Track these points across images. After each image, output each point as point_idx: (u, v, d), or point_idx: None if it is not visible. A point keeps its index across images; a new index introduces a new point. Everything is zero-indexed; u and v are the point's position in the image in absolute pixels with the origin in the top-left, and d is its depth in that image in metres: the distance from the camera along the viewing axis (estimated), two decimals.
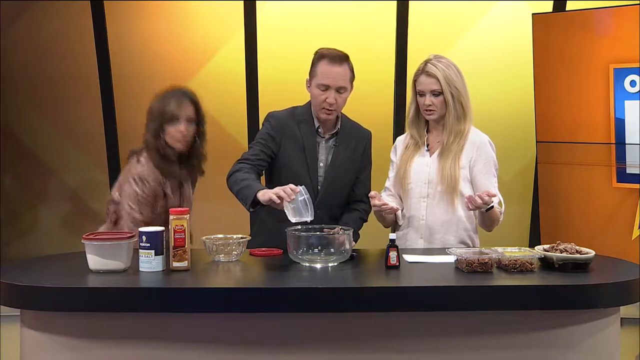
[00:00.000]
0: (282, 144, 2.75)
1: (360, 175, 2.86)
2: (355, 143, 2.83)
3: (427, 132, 2.81)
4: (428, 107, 2.70)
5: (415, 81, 2.75)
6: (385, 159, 2.94)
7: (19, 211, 4.76)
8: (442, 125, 2.75)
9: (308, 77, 2.76)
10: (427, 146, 2.79)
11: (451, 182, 2.68)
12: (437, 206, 2.72)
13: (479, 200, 2.49)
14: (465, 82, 2.72)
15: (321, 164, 2.78)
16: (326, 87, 2.68)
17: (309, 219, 2.39)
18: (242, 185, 2.53)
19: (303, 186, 2.43)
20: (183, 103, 2.69)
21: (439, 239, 2.72)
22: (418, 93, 2.74)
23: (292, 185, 2.38)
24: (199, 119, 2.75)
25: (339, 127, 2.81)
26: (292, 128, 2.77)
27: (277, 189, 2.38)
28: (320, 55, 2.72)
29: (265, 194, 2.41)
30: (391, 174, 2.87)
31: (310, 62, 2.76)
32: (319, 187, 2.77)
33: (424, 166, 2.76)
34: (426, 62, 2.72)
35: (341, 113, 2.84)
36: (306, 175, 2.75)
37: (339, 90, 2.69)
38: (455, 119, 2.70)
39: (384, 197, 2.80)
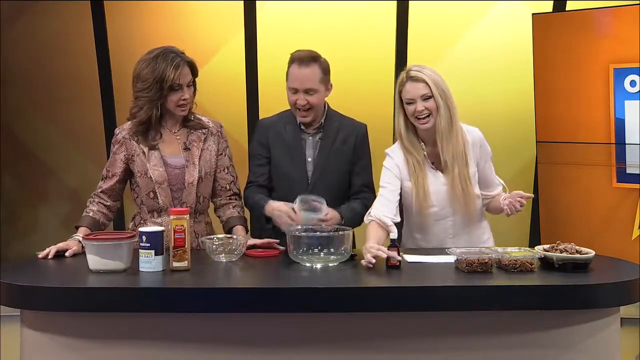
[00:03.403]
0: (270, 146, 2.85)
1: (355, 167, 2.86)
2: (344, 136, 2.85)
3: (425, 145, 2.67)
4: (421, 112, 2.57)
5: (400, 92, 2.63)
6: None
7: (19, 211, 4.76)
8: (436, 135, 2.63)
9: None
10: (433, 164, 2.67)
11: (465, 201, 2.64)
12: (462, 220, 2.69)
13: (519, 206, 2.51)
14: (449, 88, 2.62)
15: (309, 159, 2.82)
16: (295, 90, 2.74)
17: (322, 213, 2.55)
18: (257, 209, 2.81)
19: (299, 197, 2.60)
20: (182, 68, 2.62)
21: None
22: (406, 102, 2.60)
23: (287, 212, 2.60)
24: (194, 78, 2.70)
25: (322, 121, 2.83)
26: (278, 130, 2.85)
27: (277, 218, 2.64)
28: (292, 59, 2.78)
29: (271, 213, 2.69)
30: (391, 187, 2.67)
31: None
32: (308, 181, 2.81)
33: (441, 185, 2.66)
34: (408, 71, 2.63)
35: (332, 110, 2.87)
36: (294, 171, 2.82)
37: (308, 92, 2.73)
38: (447, 124, 2.58)
39: (378, 210, 2.62)
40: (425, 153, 2.68)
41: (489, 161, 2.73)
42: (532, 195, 2.56)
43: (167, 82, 2.59)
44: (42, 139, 4.70)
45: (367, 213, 2.64)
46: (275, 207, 2.66)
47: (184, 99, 2.65)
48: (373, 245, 2.36)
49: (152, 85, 2.60)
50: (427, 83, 2.57)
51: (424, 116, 2.59)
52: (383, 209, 2.60)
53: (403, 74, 2.65)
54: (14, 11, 4.58)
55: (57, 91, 4.64)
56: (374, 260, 2.29)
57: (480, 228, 2.76)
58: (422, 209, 2.67)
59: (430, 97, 2.58)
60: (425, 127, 2.61)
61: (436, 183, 2.66)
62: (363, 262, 2.32)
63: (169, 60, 2.60)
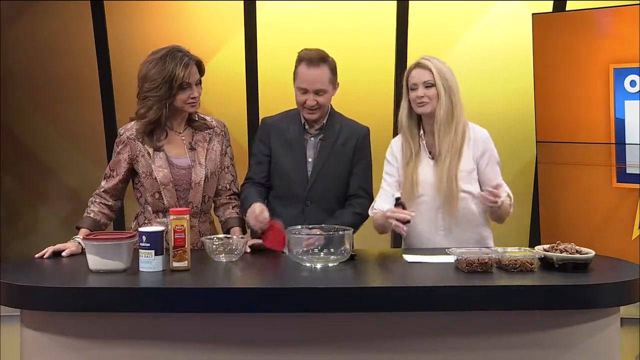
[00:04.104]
0: (272, 144, 2.85)
1: (353, 169, 2.86)
2: (345, 138, 2.84)
3: (425, 134, 2.73)
4: (420, 98, 2.64)
5: (407, 78, 2.71)
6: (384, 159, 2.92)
7: (19, 211, 4.77)
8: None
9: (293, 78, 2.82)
10: (430, 153, 2.71)
11: (447, 196, 2.64)
12: (451, 217, 2.67)
13: (491, 197, 2.51)
14: (457, 83, 2.68)
15: (310, 159, 2.83)
16: (305, 90, 2.74)
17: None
18: (242, 207, 2.77)
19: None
20: (191, 67, 2.64)
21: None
22: (410, 88, 2.69)
23: (262, 213, 2.58)
24: (201, 76, 2.72)
25: (324, 122, 2.84)
26: (281, 128, 2.85)
27: (253, 221, 2.61)
28: (300, 58, 2.77)
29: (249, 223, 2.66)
30: (390, 178, 2.77)
31: None
32: (307, 180, 2.81)
33: (432, 176, 2.69)
34: (419, 59, 2.71)
35: (335, 111, 2.88)
36: (293, 170, 2.82)
37: (318, 92, 2.74)
38: (445, 114, 2.63)
39: (381, 203, 2.71)
40: (424, 142, 2.72)
41: (491, 163, 2.72)
42: (500, 195, 2.54)
43: (176, 81, 2.60)
44: (42, 139, 4.71)
45: (371, 207, 2.73)
46: (250, 210, 2.63)
47: (192, 97, 2.66)
48: (390, 215, 2.49)
49: (161, 85, 2.60)
50: (431, 71, 2.64)
51: (424, 102, 2.66)
52: (384, 200, 2.69)
53: (413, 62, 2.73)
54: (14, 11, 4.58)
55: (57, 91, 4.64)
56: (405, 227, 2.46)
57: (479, 234, 2.73)
58: (410, 197, 2.68)
59: (432, 85, 2.64)
60: (421, 111, 2.67)
61: (429, 173, 2.69)
62: (398, 229, 2.47)
63: (178, 60, 2.61)
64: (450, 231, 2.69)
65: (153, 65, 2.62)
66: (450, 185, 2.63)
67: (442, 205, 2.67)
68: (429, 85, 2.64)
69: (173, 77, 2.59)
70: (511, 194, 2.66)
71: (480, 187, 2.70)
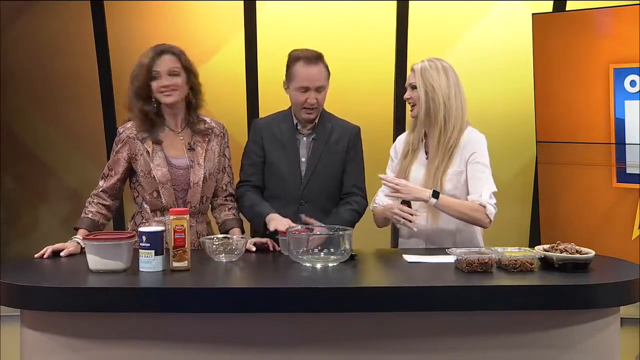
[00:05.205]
0: (264, 145, 2.86)
1: (346, 167, 2.87)
2: (338, 137, 2.86)
3: (426, 136, 2.77)
4: (407, 100, 2.74)
5: None
6: (385, 160, 2.92)
7: (19, 211, 4.77)
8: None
9: (285, 80, 2.82)
10: (427, 153, 2.76)
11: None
12: (437, 214, 2.68)
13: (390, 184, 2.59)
14: (449, 86, 2.66)
15: (303, 159, 2.84)
16: (306, 89, 2.75)
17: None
18: (253, 213, 2.78)
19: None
20: (161, 57, 2.65)
21: (441, 245, 2.69)
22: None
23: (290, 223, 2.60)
24: (185, 69, 2.69)
25: (316, 121, 2.85)
26: (272, 129, 2.86)
27: (280, 226, 2.59)
28: (296, 58, 2.78)
29: (270, 224, 2.65)
30: (390, 172, 2.84)
31: None
32: (301, 180, 2.82)
33: (422, 174, 2.73)
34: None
35: (325, 110, 2.89)
36: (287, 170, 2.83)
37: (318, 89, 2.76)
38: (425, 115, 2.68)
39: (383, 197, 2.79)
40: (424, 142, 2.77)
41: (473, 163, 2.66)
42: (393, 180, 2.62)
43: (147, 70, 2.63)
44: (42, 139, 4.71)
45: (372, 201, 2.81)
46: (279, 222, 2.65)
47: (162, 86, 2.65)
48: (397, 212, 2.59)
49: (139, 76, 2.65)
50: (415, 73, 2.71)
51: (411, 103, 2.74)
52: (384, 194, 2.76)
53: None
54: (14, 11, 4.58)
55: (57, 91, 4.64)
56: (416, 220, 2.58)
57: (463, 235, 2.74)
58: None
59: (416, 87, 2.70)
60: (411, 113, 2.75)
61: (421, 171, 2.73)
62: (409, 224, 2.57)
63: (152, 50, 2.66)
64: (436, 237, 2.72)
65: (137, 63, 2.66)
66: (434, 188, 2.62)
67: (427, 206, 2.66)
68: (413, 87, 2.71)
69: (144, 66, 2.63)
70: (486, 194, 2.61)
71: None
